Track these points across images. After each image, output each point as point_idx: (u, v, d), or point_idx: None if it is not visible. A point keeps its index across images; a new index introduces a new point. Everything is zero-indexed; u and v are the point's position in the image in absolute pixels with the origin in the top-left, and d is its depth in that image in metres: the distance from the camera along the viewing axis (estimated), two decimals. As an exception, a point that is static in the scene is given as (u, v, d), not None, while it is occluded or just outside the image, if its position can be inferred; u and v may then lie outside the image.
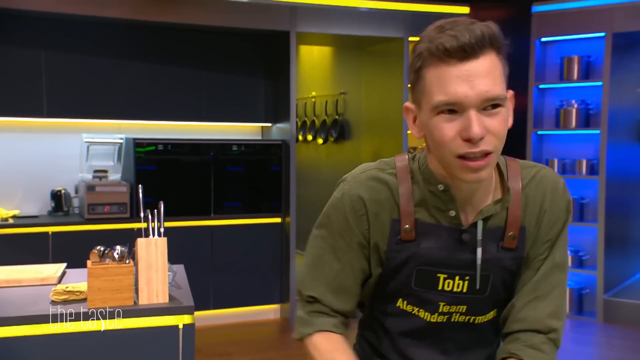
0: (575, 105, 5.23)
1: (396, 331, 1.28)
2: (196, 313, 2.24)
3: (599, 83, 5.09)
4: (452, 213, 1.20)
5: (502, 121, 1.10)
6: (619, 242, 5.50)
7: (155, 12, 4.64)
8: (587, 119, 5.23)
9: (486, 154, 1.09)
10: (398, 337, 1.29)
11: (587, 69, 5.23)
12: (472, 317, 1.25)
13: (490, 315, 1.26)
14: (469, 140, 1.07)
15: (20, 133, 4.78)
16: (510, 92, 1.15)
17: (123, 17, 4.57)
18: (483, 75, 1.07)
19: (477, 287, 1.21)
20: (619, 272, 5.53)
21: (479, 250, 1.19)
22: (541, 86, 5.41)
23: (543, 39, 5.40)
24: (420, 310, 1.24)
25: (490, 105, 1.08)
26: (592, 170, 5.22)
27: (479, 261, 1.19)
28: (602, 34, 5.07)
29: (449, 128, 1.09)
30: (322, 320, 1.25)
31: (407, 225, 1.20)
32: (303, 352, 1.28)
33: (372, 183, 1.22)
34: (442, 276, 1.21)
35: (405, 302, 1.25)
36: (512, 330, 1.23)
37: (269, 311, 5.08)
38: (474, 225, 1.19)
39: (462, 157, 1.10)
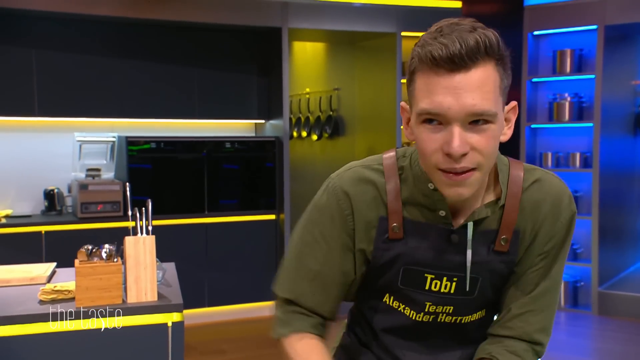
0: (569, 99, 5.22)
1: (381, 327, 1.26)
2: (191, 311, 2.23)
3: (592, 76, 5.08)
4: (442, 213, 1.15)
5: (489, 138, 1.04)
6: (613, 235, 5.50)
7: (146, 9, 4.62)
8: (580, 112, 5.23)
9: (469, 169, 1.05)
10: (383, 334, 1.26)
11: (579, 62, 5.22)
12: (459, 318, 1.22)
13: (477, 315, 1.24)
14: (449, 155, 1.03)
15: (11, 132, 4.76)
16: (512, 104, 1.10)
17: (114, 14, 4.55)
18: (472, 88, 1.00)
19: (467, 289, 1.18)
20: (614, 264, 5.53)
21: (469, 253, 1.15)
22: (534, 80, 5.40)
23: (535, 33, 5.39)
24: (406, 308, 1.22)
25: (476, 120, 1.02)
26: (586, 163, 5.22)
27: (468, 264, 1.15)
28: (594, 27, 5.07)
29: (431, 140, 1.04)
30: (300, 321, 1.22)
31: (394, 224, 1.16)
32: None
33: (358, 181, 1.18)
34: (429, 276, 1.17)
35: (392, 297, 1.22)
36: (498, 334, 1.21)
37: (264, 308, 5.07)
38: (465, 226, 1.15)
39: (443, 170, 1.05)
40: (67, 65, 4.66)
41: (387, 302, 1.23)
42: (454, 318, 1.21)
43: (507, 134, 1.11)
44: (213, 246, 4.89)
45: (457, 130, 1.02)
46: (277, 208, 5.08)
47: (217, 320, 4.95)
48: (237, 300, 4.99)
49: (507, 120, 1.11)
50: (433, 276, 1.17)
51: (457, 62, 0.99)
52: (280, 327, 1.24)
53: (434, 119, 1.04)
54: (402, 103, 1.13)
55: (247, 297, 5.01)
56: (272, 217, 5.07)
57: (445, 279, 1.17)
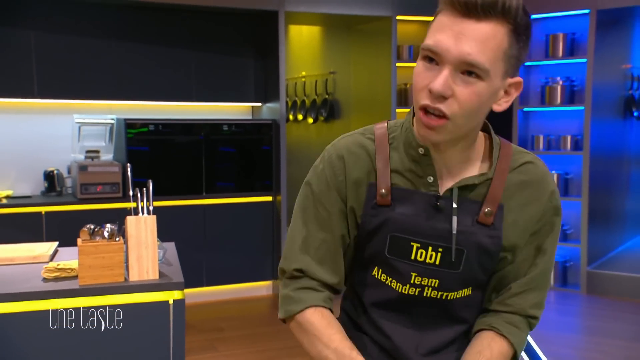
0: (560, 82, 5.23)
1: (370, 302, 1.25)
2: (189, 290, 2.24)
3: (584, 60, 5.08)
4: (430, 179, 1.17)
5: (473, 93, 1.05)
6: (602, 216, 5.54)
7: (143, -8, 4.59)
8: (572, 96, 5.24)
9: (442, 115, 1.06)
10: (372, 309, 1.25)
11: (572, 46, 5.22)
12: (445, 294, 1.21)
13: (463, 292, 1.23)
14: (431, 92, 1.05)
15: (11, 114, 4.73)
16: (517, 79, 1.11)
17: (112, -3, 4.53)
18: (474, 38, 1.02)
19: (453, 259, 1.17)
20: (602, 245, 5.58)
21: (455, 219, 1.15)
22: (527, 63, 5.40)
23: (530, 17, 5.37)
24: (393, 280, 1.21)
25: (467, 70, 1.04)
26: (577, 146, 5.24)
27: (454, 229, 1.15)
28: (586, 11, 5.06)
29: (423, 76, 1.07)
30: (311, 296, 1.20)
31: (383, 190, 1.17)
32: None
33: (352, 147, 1.20)
34: (415, 245, 1.17)
35: (380, 270, 1.22)
36: (496, 310, 1.23)
37: (261, 288, 5.10)
38: (451, 195, 1.16)
39: (424, 109, 1.08)
40: (66, 48, 4.62)
41: (376, 276, 1.23)
42: (440, 293, 1.21)
43: (502, 105, 1.12)
44: (211, 227, 4.90)
45: (446, 72, 1.04)
46: (274, 190, 5.08)
47: (215, 300, 4.97)
48: (234, 280, 5.01)
49: (506, 92, 1.11)
50: (419, 245, 1.18)
51: (470, 9, 1.02)
52: (290, 304, 1.21)
53: (433, 58, 1.06)
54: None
55: (244, 276, 5.04)
56: (269, 198, 5.08)
57: (430, 248, 1.17)
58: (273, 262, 5.08)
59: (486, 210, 1.17)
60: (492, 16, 1.03)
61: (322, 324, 1.17)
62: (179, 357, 2.18)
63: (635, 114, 6.03)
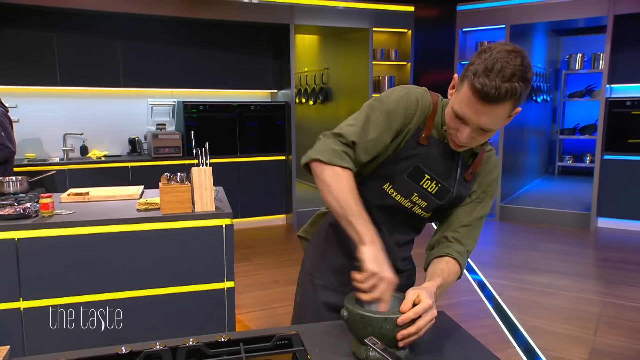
0: (485, 76, 5.19)
1: (375, 204, 1.27)
2: (230, 220, 2.25)
3: (502, 60, 5.03)
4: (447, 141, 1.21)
5: (487, 136, 1.10)
6: (511, 168, 5.61)
7: (195, 10, 4.50)
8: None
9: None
10: (374, 210, 1.27)
11: (493, 50, 5.16)
12: (424, 213, 1.26)
13: (429, 214, 1.28)
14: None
15: (105, 98, 4.70)
16: (517, 110, 1.09)
17: (173, 14, 4.43)
18: (489, 116, 1.04)
19: (453, 193, 1.22)
20: (511, 187, 5.66)
21: (459, 170, 1.21)
22: (463, 62, 5.36)
23: (464, 29, 5.32)
24: (397, 194, 1.23)
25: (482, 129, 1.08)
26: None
27: (458, 176, 1.21)
28: (503, 26, 5.01)
29: (453, 122, 1.10)
30: (350, 162, 1.15)
31: (424, 135, 1.19)
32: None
33: (424, 98, 1.20)
34: (427, 176, 1.20)
35: (390, 186, 1.23)
36: (448, 236, 1.26)
37: (278, 219, 5.17)
38: (459, 153, 1.22)
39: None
40: (142, 52, 4.56)
41: (385, 189, 1.24)
42: (421, 212, 1.26)
43: (506, 122, 1.14)
44: (243, 177, 4.93)
45: (468, 131, 1.08)
46: (286, 152, 5.10)
47: (247, 227, 5.03)
48: (259, 214, 5.07)
49: (510, 116, 1.13)
50: (429, 177, 1.21)
51: (487, 100, 1.02)
52: (336, 157, 1.13)
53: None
54: (456, 75, 1.12)
55: (267, 211, 5.09)
56: (283, 157, 5.10)
57: (434, 182, 1.21)
58: (286, 202, 5.13)
59: (470, 172, 1.23)
60: (503, 102, 1.02)
61: (352, 183, 1.14)
62: (230, 264, 2.22)
63: (534, 98, 6.03)
